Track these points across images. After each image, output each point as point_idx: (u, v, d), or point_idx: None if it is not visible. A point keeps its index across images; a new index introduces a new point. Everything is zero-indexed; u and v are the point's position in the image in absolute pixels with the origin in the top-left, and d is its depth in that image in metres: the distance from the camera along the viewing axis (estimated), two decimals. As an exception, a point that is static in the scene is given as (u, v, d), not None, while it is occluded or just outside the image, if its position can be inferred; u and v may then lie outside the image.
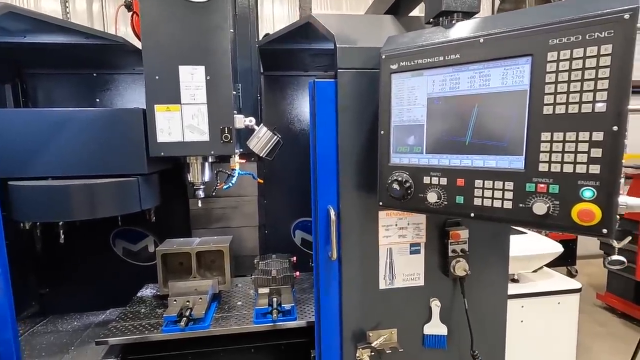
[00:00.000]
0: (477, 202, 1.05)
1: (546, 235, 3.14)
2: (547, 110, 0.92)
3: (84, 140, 1.73)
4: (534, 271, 2.66)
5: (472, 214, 1.07)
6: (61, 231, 1.82)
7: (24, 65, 2.26)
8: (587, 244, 5.48)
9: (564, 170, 0.91)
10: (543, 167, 0.94)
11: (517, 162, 0.99)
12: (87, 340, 1.91)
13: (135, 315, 1.94)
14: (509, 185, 1.00)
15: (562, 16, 0.90)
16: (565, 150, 0.91)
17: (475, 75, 1.04)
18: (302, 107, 2.61)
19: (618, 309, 4.26)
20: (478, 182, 1.05)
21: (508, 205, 1.00)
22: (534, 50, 0.93)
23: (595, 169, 0.87)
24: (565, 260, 4.99)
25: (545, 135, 0.93)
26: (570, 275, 5.18)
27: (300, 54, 2.29)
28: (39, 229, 1.89)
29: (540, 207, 0.94)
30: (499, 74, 1.00)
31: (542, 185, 0.95)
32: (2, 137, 1.59)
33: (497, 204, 1.02)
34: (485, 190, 1.04)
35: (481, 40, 1.01)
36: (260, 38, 2.36)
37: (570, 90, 0.88)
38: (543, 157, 0.94)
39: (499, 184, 1.02)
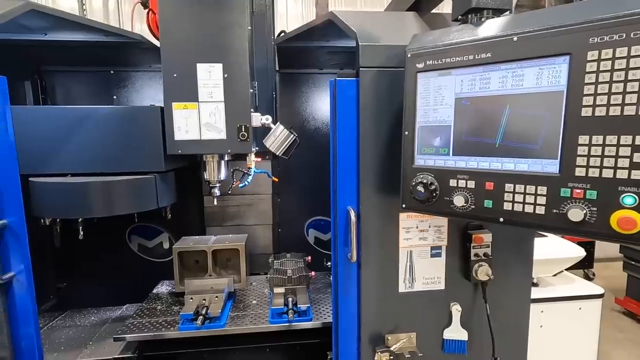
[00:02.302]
0: (507, 206, 1.02)
1: (562, 237, 3.06)
2: (585, 112, 0.88)
3: (103, 138, 1.74)
4: (554, 275, 2.59)
5: (502, 219, 1.03)
6: (80, 227, 1.84)
7: (43, 62, 2.28)
8: (605, 247, 5.35)
9: (603, 176, 0.87)
10: (580, 172, 0.90)
11: (551, 166, 0.95)
12: (105, 336, 1.93)
13: (152, 312, 1.96)
14: (542, 189, 0.96)
15: (603, 13, 0.85)
16: (605, 154, 0.86)
17: (508, 75, 1.00)
18: (316, 106, 2.59)
19: (638, 314, 4.15)
20: (508, 186, 1.01)
21: (540, 210, 0.96)
22: (572, 49, 0.89)
23: (638, 174, 0.83)
24: (582, 263, 4.88)
25: (583, 139, 0.89)
26: (587, 278, 5.07)
27: (317, 52, 2.27)
28: (59, 225, 1.91)
29: (576, 214, 0.90)
30: (534, 73, 0.96)
31: (578, 191, 0.91)
32: (22, 134, 1.60)
33: (529, 209, 0.98)
34: (516, 195, 1.00)
35: (515, 38, 0.97)
36: (276, 36, 2.34)
37: (612, 91, 0.84)
38: (580, 161, 0.90)
39: (531, 189, 0.98)
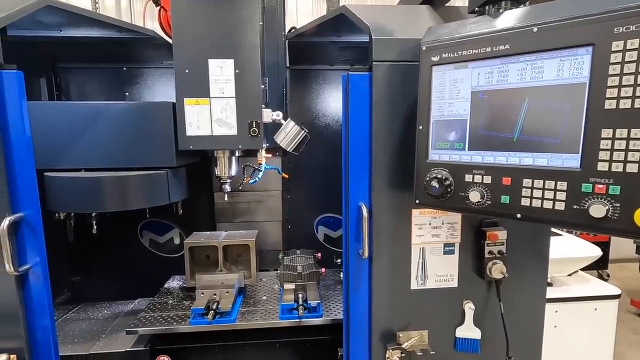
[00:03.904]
0: (525, 202, 0.99)
1: (577, 235, 3.00)
2: (609, 104, 0.85)
3: (116, 133, 1.76)
4: (568, 275, 2.54)
5: (519, 215, 1.01)
6: (94, 222, 1.86)
7: (58, 59, 2.31)
8: (620, 248, 5.24)
9: (627, 170, 0.84)
10: (602, 167, 0.87)
11: (571, 161, 0.92)
12: (117, 329, 1.95)
13: (163, 306, 1.97)
14: (562, 185, 0.93)
15: (629, 2, 0.82)
16: (630, 148, 0.83)
17: (527, 67, 0.97)
18: (327, 102, 2.58)
19: (654, 316, 4.06)
20: (526, 182, 0.99)
21: (560, 206, 0.94)
22: (596, 40, 0.86)
23: (664, 169, 0.80)
24: (597, 264, 4.78)
25: (607, 132, 0.86)
26: (602, 279, 4.96)
27: (328, 47, 2.25)
28: (73, 219, 1.94)
29: (597, 210, 0.87)
30: (554, 65, 0.93)
31: (600, 186, 0.88)
32: (38, 130, 1.62)
33: (548, 204, 0.95)
34: (534, 190, 0.98)
35: (535, 29, 0.94)
36: (286, 32, 2.33)
37: (639, 82, 0.81)
38: (603, 155, 0.87)
39: (550, 184, 0.95)
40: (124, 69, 2.42)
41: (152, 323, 1.80)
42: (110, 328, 1.97)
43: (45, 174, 1.70)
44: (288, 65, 2.41)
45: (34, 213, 1.33)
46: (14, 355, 1.34)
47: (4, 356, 1.32)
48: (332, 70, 2.54)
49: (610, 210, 0.86)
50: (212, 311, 1.74)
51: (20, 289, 1.34)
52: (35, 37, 1.96)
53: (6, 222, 1.25)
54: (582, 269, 2.67)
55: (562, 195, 0.93)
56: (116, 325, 2.01)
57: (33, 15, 1.41)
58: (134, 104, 1.84)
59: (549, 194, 0.95)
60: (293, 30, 2.28)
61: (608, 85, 0.85)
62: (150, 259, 2.51)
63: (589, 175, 0.89)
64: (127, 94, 2.44)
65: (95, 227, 1.88)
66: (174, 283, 2.30)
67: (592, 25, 0.86)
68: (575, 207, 0.92)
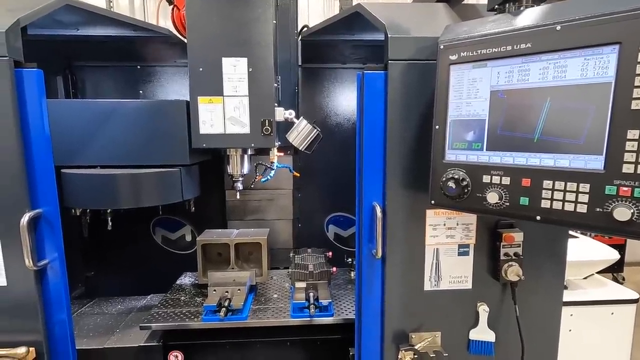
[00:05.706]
0: (545, 204, 0.97)
1: (592, 237, 2.93)
2: (636, 105, 0.83)
3: (130, 131, 1.77)
4: (584, 278, 2.49)
5: (539, 217, 0.99)
6: (109, 218, 1.89)
7: (74, 57, 2.35)
8: (635, 251, 5.12)
9: (654, 173, 0.82)
10: (628, 169, 0.85)
11: (595, 162, 0.90)
12: (131, 324, 1.98)
13: (176, 302, 2.00)
14: (585, 187, 0.91)
15: (659, -1, 0.80)
16: (657, 150, 0.81)
17: (549, 67, 0.95)
18: (339, 100, 2.57)
19: (671, 321, 3.95)
20: (547, 183, 0.97)
21: (582, 209, 0.92)
22: (622, 38, 0.84)
23: (694, 172, 0.77)
24: (612, 267, 4.67)
25: (633, 133, 0.84)
26: (617, 282, 4.85)
27: (341, 46, 2.24)
28: (88, 215, 1.97)
29: (622, 213, 0.85)
30: (578, 64, 0.91)
31: (625, 189, 0.86)
32: (54, 127, 1.65)
33: (569, 207, 0.93)
34: (555, 192, 0.96)
35: (558, 27, 0.92)
36: (298, 30, 2.32)
37: (668, 82, 0.79)
38: (628, 157, 0.85)
39: (572, 186, 0.93)
40: (138, 67, 2.44)
41: (165, 319, 1.82)
42: (124, 323, 2.00)
43: (62, 170, 1.73)
44: (300, 63, 2.41)
45: (53, 209, 1.36)
46: (33, 348, 1.37)
47: (23, 349, 1.35)
48: (344, 68, 2.52)
49: (636, 214, 0.84)
50: (224, 308, 1.75)
51: (38, 284, 1.37)
52: (53, 35, 1.99)
53: (26, 217, 1.27)
54: (597, 272, 2.62)
55: (584, 198, 0.91)
56: (129, 320, 2.03)
57: (52, 14, 1.43)
58: (148, 102, 1.86)
59: (570, 196, 0.93)
60: (305, 29, 2.28)
61: (635, 85, 0.83)
62: (163, 256, 2.53)
63: (613, 178, 0.87)
64: (140, 92, 2.47)
65: (110, 224, 1.91)
66: (186, 280, 2.32)
67: (619, 23, 0.84)
68: (598, 209, 0.89)
